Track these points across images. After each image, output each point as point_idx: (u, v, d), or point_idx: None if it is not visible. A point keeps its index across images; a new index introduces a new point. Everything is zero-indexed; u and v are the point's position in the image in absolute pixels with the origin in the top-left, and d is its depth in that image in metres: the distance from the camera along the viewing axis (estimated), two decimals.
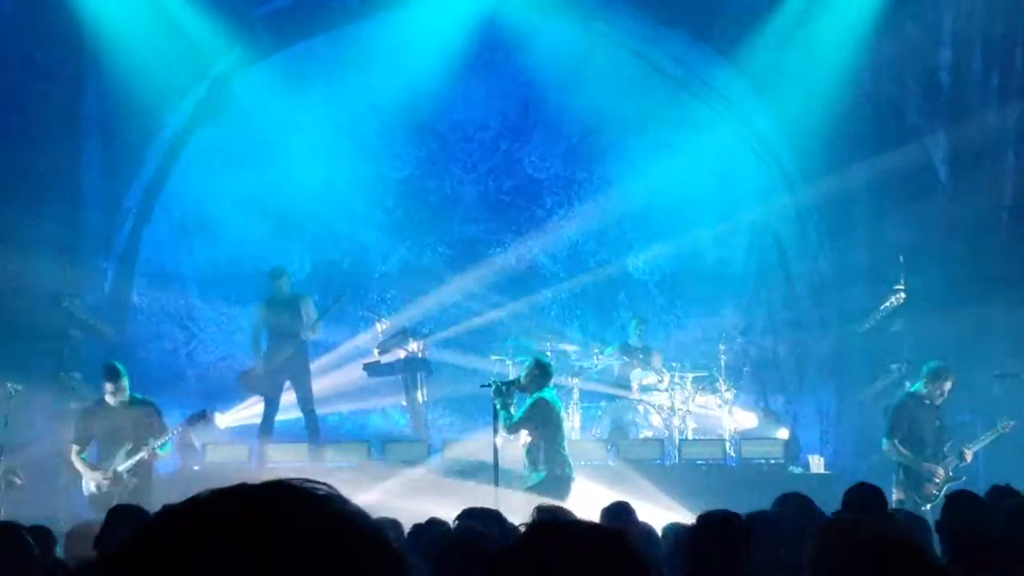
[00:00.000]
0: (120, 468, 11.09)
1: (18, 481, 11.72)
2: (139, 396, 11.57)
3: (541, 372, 10.89)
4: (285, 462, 13.84)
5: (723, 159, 16.89)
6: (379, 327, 15.69)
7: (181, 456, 13.94)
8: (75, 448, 11.39)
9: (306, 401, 14.55)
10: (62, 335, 14.04)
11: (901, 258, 14.21)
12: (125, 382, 11.26)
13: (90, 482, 11.22)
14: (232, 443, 14.47)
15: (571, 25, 16.55)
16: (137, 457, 11.06)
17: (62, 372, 13.87)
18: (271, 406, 14.52)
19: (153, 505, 9.62)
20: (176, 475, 13.15)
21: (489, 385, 10.92)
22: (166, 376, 15.95)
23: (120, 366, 11.48)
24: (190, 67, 15.31)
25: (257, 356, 14.50)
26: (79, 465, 11.36)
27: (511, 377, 11.55)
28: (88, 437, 11.48)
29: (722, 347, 14.93)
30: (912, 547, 3.24)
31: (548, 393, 10.89)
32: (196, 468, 13.95)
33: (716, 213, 17.11)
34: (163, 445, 11.21)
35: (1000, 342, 13.96)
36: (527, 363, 11.13)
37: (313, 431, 14.46)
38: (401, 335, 15.33)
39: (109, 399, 11.27)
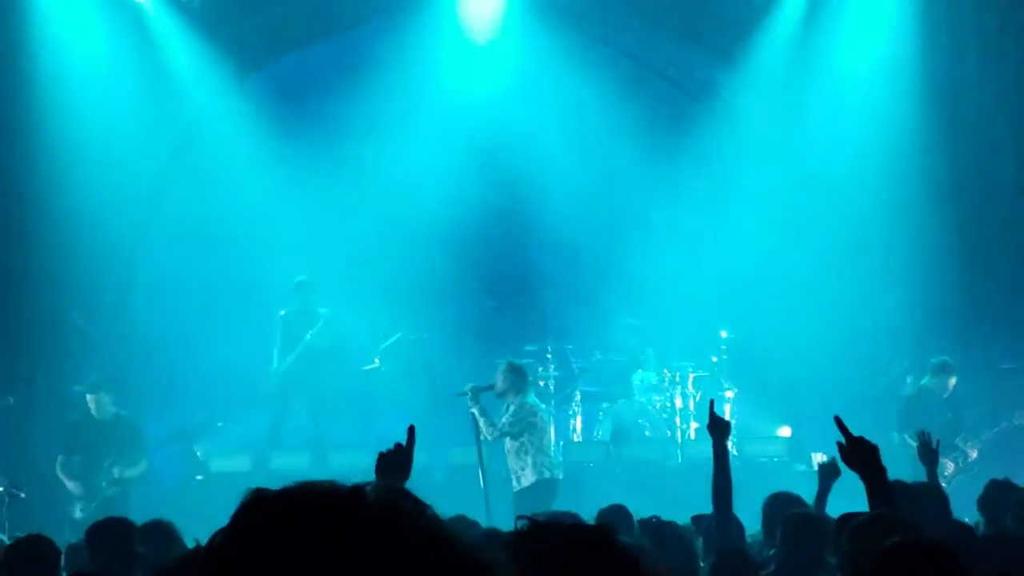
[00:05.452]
0: (102, 481, 11.05)
1: (21, 495, 11.70)
2: (122, 412, 11.53)
3: (517, 376, 10.81)
4: (288, 470, 13.82)
5: (721, 160, 16.88)
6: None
7: (183, 467, 13.94)
8: (60, 459, 11.33)
9: (317, 411, 14.54)
10: (63, 349, 14.02)
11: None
12: (106, 397, 11.19)
13: (75, 499, 11.18)
14: (234, 453, 14.44)
15: (567, 32, 16.57)
16: (115, 471, 10.98)
17: (63, 386, 13.85)
18: (279, 417, 14.53)
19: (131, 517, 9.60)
20: (178, 486, 13.13)
21: (464, 393, 10.75)
22: (168, 388, 15.90)
23: (103, 381, 11.44)
24: (184, 84, 15.30)
25: (277, 366, 14.53)
26: (61, 475, 11.29)
27: (486, 383, 11.19)
28: (73, 448, 11.41)
29: (723, 347, 14.92)
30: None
31: (530, 397, 10.85)
32: (199, 478, 13.93)
33: (715, 212, 17.08)
34: (133, 464, 11.11)
35: (1002, 335, 13.94)
36: (500, 368, 10.95)
37: (318, 439, 14.43)
38: (401, 341, 15.32)
39: (93, 411, 11.21)
